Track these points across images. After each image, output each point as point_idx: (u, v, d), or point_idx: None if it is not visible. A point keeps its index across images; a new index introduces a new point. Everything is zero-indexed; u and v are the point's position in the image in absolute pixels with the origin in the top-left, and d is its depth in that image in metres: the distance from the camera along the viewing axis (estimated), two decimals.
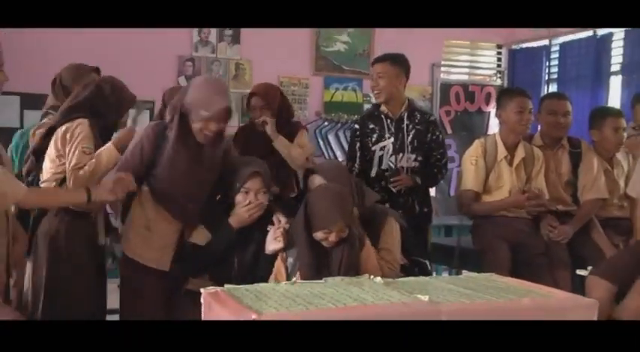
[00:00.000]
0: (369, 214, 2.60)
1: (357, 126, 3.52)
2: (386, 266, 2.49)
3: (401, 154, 3.38)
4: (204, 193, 2.66)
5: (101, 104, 2.74)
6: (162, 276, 2.63)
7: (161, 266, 2.62)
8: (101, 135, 2.71)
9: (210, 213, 2.63)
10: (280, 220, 2.55)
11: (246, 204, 2.55)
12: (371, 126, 3.44)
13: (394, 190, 3.36)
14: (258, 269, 2.51)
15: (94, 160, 2.59)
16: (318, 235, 2.31)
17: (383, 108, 3.44)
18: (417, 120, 3.42)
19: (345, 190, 2.44)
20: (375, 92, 3.45)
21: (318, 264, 2.28)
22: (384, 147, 3.40)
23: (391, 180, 3.35)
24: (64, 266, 2.64)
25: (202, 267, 2.60)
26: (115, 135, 2.72)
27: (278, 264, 2.38)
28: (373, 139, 3.42)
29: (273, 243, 2.47)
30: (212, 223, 2.60)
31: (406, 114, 3.42)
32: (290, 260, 2.32)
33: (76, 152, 2.60)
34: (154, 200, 2.63)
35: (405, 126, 3.40)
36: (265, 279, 2.38)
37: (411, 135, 3.40)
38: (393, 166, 3.39)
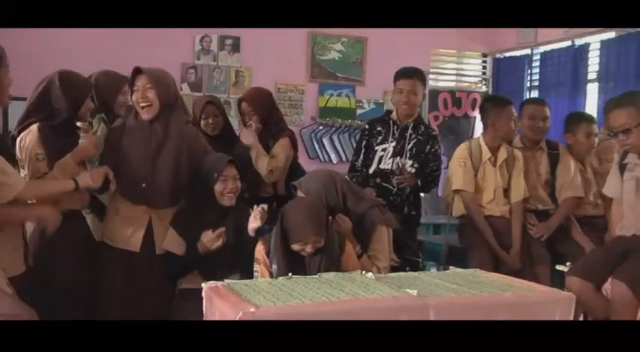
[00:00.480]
0: (360, 219, 2.59)
1: (367, 126, 3.63)
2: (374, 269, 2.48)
3: (399, 158, 3.44)
4: (160, 175, 2.62)
5: (53, 101, 2.51)
6: (132, 257, 2.64)
7: (131, 247, 2.65)
8: (64, 134, 2.50)
9: (185, 222, 2.64)
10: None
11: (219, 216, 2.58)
12: (378, 128, 3.52)
13: (395, 186, 3.39)
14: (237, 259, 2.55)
15: (54, 170, 2.42)
16: (295, 247, 2.30)
17: (394, 115, 3.54)
18: (420, 132, 3.49)
19: (318, 203, 2.42)
20: (404, 106, 3.47)
21: (298, 273, 2.22)
22: (385, 148, 3.47)
23: (396, 177, 3.39)
24: (55, 266, 2.49)
25: (176, 273, 2.65)
26: (77, 148, 2.48)
27: (262, 269, 2.36)
28: (378, 140, 3.50)
29: (252, 221, 2.49)
30: (186, 232, 2.62)
31: (412, 125, 3.49)
32: (274, 267, 2.30)
33: (30, 161, 2.46)
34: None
35: (408, 134, 3.47)
36: (247, 270, 2.40)
37: (411, 144, 3.46)
38: (390, 167, 3.43)
